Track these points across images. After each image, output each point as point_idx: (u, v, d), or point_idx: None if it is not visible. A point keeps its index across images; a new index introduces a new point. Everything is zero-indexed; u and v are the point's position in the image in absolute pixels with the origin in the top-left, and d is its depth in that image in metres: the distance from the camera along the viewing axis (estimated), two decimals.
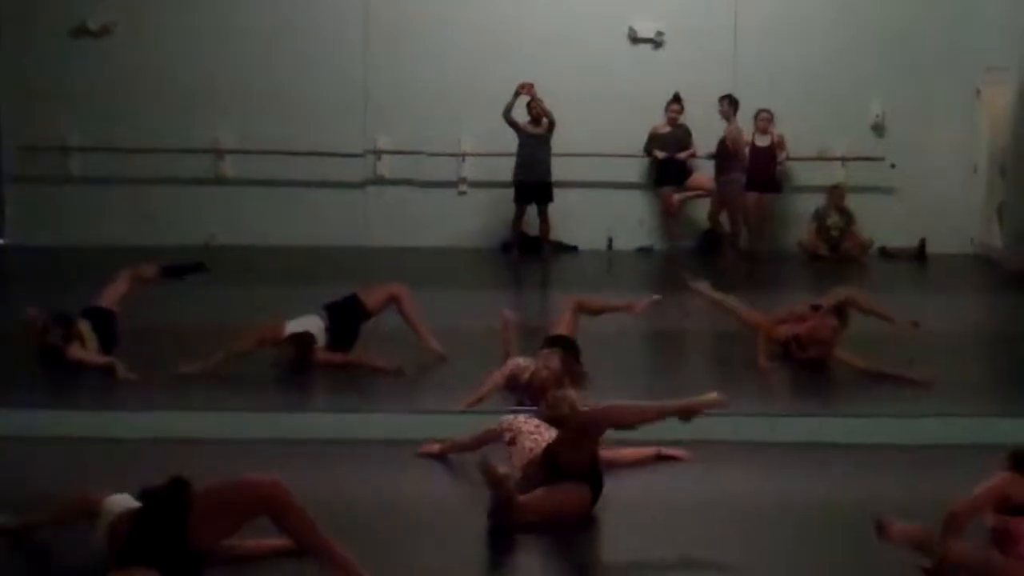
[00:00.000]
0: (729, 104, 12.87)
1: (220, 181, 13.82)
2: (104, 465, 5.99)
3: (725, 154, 12.95)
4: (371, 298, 8.18)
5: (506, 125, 12.80)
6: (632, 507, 5.55)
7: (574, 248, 13.57)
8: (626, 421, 5.42)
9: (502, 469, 5.22)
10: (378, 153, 13.83)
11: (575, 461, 5.30)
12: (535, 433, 5.68)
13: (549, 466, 5.34)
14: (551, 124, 12.83)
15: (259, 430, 6.71)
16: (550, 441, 5.47)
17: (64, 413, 7.00)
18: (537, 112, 12.83)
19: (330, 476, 6.11)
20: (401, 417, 6.97)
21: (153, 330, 8.64)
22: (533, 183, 12.92)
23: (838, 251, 13.29)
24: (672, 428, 6.47)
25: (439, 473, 6.20)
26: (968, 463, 5.71)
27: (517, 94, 12.74)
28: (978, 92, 13.66)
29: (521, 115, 12.87)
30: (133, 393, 7.33)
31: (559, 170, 13.08)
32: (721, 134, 12.99)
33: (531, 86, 12.71)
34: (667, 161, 13.26)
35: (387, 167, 13.86)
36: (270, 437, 6.61)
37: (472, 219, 13.79)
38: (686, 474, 6.07)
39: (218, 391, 7.38)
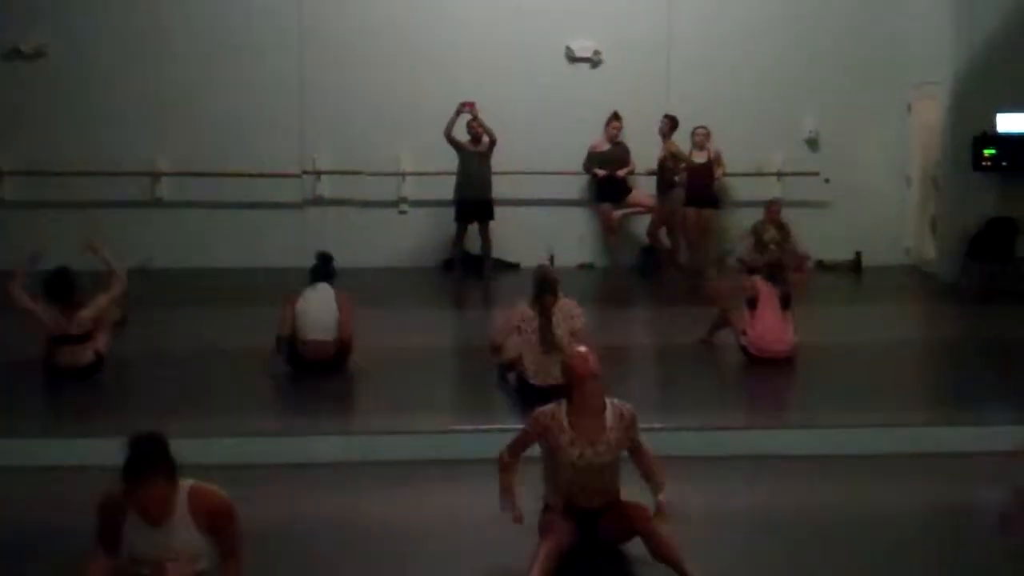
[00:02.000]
0: (670, 124, 13.04)
1: (157, 203, 13.67)
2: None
3: (664, 172, 13.11)
4: None
5: (445, 144, 12.80)
6: None
7: (516, 265, 13.57)
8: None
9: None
10: (317, 173, 13.76)
11: None
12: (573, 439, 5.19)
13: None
14: (492, 142, 12.85)
15: (235, 455, 6.61)
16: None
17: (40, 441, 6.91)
18: (477, 130, 12.84)
19: (317, 498, 6.10)
20: (352, 439, 6.97)
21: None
22: (474, 201, 12.92)
23: None
24: None
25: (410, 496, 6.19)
26: (906, 472, 5.77)
27: (459, 112, 12.74)
28: (909, 107, 13.91)
29: (461, 134, 12.88)
30: (110, 420, 7.21)
31: (500, 188, 13.09)
32: (659, 151, 13.13)
33: (473, 104, 12.73)
34: (607, 178, 13.33)
35: (326, 187, 13.80)
36: (250, 463, 6.53)
37: (413, 238, 13.77)
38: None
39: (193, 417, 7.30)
